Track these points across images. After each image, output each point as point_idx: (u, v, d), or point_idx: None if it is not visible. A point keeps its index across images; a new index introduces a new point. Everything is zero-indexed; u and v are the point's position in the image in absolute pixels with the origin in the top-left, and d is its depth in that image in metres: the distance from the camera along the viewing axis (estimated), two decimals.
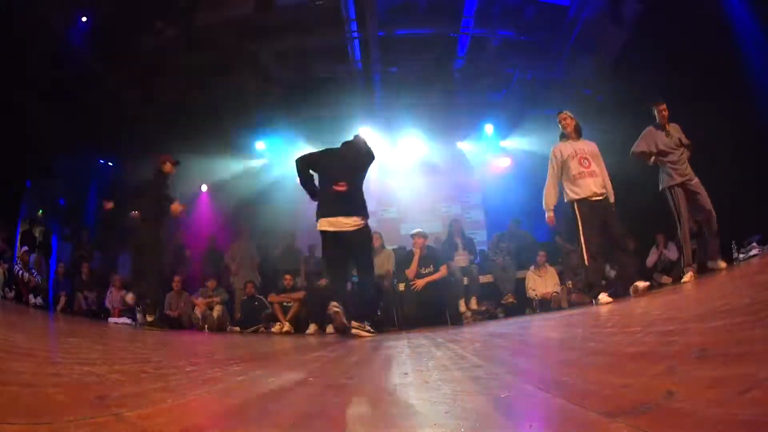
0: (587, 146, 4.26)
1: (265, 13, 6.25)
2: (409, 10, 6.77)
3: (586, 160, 4.16)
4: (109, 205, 5.45)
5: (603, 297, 3.97)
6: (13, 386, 0.96)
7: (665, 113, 4.30)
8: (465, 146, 9.47)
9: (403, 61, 7.72)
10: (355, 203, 3.82)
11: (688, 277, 4.02)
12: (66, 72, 6.35)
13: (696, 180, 4.18)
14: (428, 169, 9.71)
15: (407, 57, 7.60)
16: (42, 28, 5.70)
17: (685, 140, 4.27)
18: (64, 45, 6.09)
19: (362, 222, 3.80)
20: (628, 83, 6.25)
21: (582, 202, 4.11)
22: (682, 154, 4.24)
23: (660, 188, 4.32)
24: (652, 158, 4.32)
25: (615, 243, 4.10)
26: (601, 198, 4.09)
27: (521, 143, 9.14)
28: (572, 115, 4.36)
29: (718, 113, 4.89)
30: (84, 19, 6.08)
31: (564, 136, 4.35)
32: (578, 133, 4.33)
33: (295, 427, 0.74)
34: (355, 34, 7.01)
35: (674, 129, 4.31)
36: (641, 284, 3.83)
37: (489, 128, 8.96)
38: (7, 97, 5.77)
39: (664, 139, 4.27)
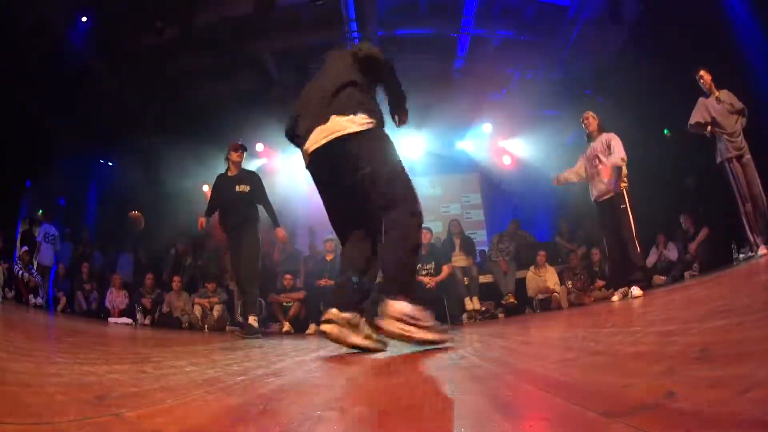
0: (600, 143, 4.24)
1: (265, 13, 6.25)
2: (409, 10, 6.78)
3: (596, 159, 4.21)
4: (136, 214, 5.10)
5: (616, 295, 4.10)
6: (13, 386, 0.96)
7: (704, 79, 4.22)
8: (465, 146, 9.48)
9: (402, 61, 7.72)
10: (353, 99, 1.98)
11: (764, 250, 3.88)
12: (66, 72, 6.35)
13: (748, 156, 4.05)
14: (428, 169, 9.73)
15: (407, 57, 7.60)
16: (42, 28, 5.70)
17: (738, 105, 4.14)
18: (64, 45, 6.09)
19: (368, 120, 1.93)
20: (628, 83, 6.25)
21: (595, 203, 4.29)
22: (737, 122, 4.11)
23: (717, 161, 4.22)
24: (708, 128, 4.19)
25: (623, 242, 4.14)
26: (606, 198, 4.15)
27: (521, 143, 9.15)
28: (594, 115, 4.34)
29: None
30: (84, 19, 6.09)
31: (588, 137, 4.38)
32: (600, 131, 4.30)
33: (295, 427, 0.74)
34: (355, 34, 7.01)
35: (725, 95, 4.18)
36: (636, 291, 3.91)
37: (489, 128, 8.98)
38: (8, 97, 5.77)
39: (715, 106, 4.16)
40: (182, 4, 6.26)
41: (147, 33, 6.37)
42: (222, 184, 4.62)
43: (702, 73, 4.21)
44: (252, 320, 4.33)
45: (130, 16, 6.07)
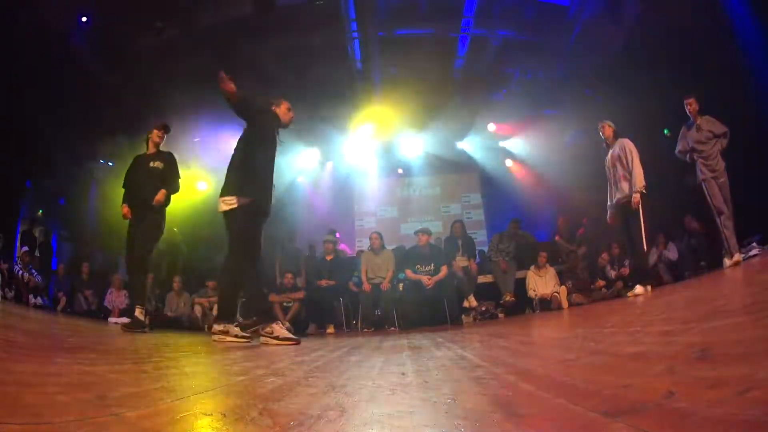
0: (615, 150, 4.46)
1: (266, 13, 6.25)
2: (409, 10, 6.78)
3: (614, 166, 4.44)
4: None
5: (638, 288, 4.23)
6: (13, 386, 0.96)
7: (691, 107, 4.47)
8: (465, 146, 9.48)
9: (403, 61, 7.72)
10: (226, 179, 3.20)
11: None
12: (66, 72, 6.34)
13: (723, 179, 4.28)
14: (428, 169, 9.73)
15: (407, 57, 7.60)
16: (42, 28, 5.70)
17: (718, 130, 4.36)
18: (64, 45, 6.09)
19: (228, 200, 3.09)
20: (628, 83, 6.25)
21: (616, 205, 4.48)
22: (714, 146, 4.34)
23: (698, 181, 4.48)
24: (688, 155, 4.50)
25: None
26: (626, 201, 4.34)
27: (521, 143, 9.15)
28: (609, 124, 4.56)
29: (717, 113, 4.89)
30: (84, 19, 6.08)
31: (605, 143, 4.59)
32: (615, 138, 4.52)
33: (296, 427, 0.74)
34: (355, 34, 7.01)
35: (705, 122, 4.43)
36: (638, 289, 4.11)
37: (489, 128, 8.98)
38: (8, 97, 5.76)
39: (694, 135, 4.45)
40: (182, 5, 6.26)
41: (147, 33, 6.37)
42: (137, 162, 4.30)
43: (691, 100, 4.48)
44: (138, 312, 3.93)
45: (130, 16, 6.06)
